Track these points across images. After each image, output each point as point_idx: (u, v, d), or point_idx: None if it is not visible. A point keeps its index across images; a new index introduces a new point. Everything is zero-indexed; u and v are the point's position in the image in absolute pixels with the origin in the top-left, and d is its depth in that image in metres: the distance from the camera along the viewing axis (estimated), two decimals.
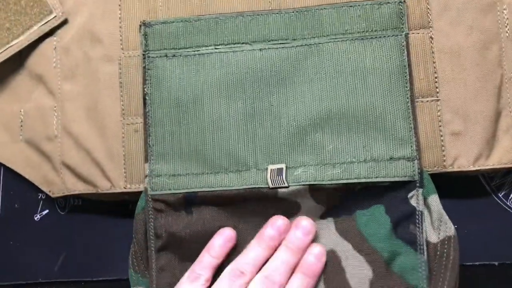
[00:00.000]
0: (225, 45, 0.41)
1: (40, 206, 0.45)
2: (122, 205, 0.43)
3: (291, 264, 0.38)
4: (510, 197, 0.42)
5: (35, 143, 0.43)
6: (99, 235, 0.44)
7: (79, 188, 0.42)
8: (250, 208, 0.40)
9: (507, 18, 0.41)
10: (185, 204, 0.40)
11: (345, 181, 0.38)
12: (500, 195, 0.42)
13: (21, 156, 0.44)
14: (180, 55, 0.41)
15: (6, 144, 0.44)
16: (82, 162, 0.42)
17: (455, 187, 0.41)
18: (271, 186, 0.39)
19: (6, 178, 0.45)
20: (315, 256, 0.38)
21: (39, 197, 0.45)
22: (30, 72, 0.44)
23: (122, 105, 0.42)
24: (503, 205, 0.42)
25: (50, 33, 0.44)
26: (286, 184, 0.39)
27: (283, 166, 0.39)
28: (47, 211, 0.45)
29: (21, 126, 0.44)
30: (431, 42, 0.40)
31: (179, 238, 0.39)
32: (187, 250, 0.39)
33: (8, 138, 0.44)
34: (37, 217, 0.44)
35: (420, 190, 0.38)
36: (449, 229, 0.38)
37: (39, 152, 0.43)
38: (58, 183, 0.43)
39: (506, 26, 0.41)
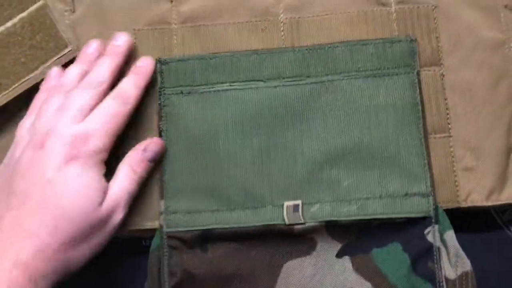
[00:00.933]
0: (240, 82, 0.42)
1: None
2: (136, 241, 0.43)
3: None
4: None
5: None
6: (113, 272, 0.43)
7: None
8: (266, 245, 0.40)
9: None
10: (200, 241, 0.40)
11: (361, 217, 0.39)
12: None
13: None
14: (196, 92, 0.42)
15: None
16: None
17: (466, 221, 0.42)
18: (287, 222, 0.39)
19: None
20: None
21: None
22: None
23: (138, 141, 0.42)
24: None
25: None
26: (302, 221, 0.39)
27: (299, 202, 0.40)
28: None
29: None
30: (442, 79, 0.41)
31: (193, 276, 0.39)
32: None
33: None
34: None
35: (436, 226, 0.39)
36: (466, 264, 0.38)
37: None
38: None
39: None
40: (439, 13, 0.42)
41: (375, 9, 0.42)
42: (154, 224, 0.41)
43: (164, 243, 0.40)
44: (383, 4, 0.42)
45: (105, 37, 0.43)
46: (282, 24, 0.43)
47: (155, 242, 0.40)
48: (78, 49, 0.44)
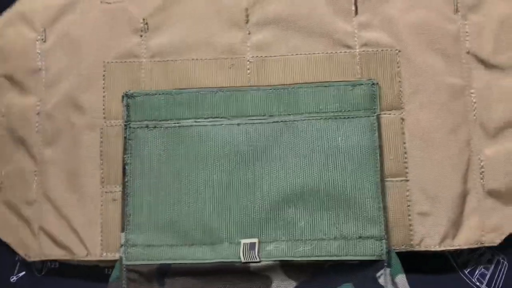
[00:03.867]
0: (205, 118, 0.43)
1: (17, 268, 0.45)
2: (98, 269, 0.44)
3: None
4: (475, 274, 0.43)
5: (14, 206, 0.44)
6: None
7: (56, 253, 0.43)
8: (222, 281, 0.40)
9: (475, 102, 0.43)
10: (158, 275, 0.41)
11: (315, 258, 0.40)
12: (466, 272, 0.43)
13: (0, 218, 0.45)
14: (161, 127, 0.43)
15: None
16: (60, 228, 0.43)
17: (421, 262, 0.42)
18: (243, 260, 0.40)
19: None
20: None
21: (16, 258, 0.45)
22: (13, 134, 0.45)
23: (102, 173, 0.43)
24: (469, 282, 0.43)
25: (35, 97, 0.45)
26: (258, 259, 0.40)
27: (255, 240, 0.40)
28: (23, 273, 0.45)
29: (0, 188, 0.45)
30: (402, 123, 0.42)
31: None
32: None
33: None
34: (13, 279, 0.45)
35: (388, 270, 0.39)
36: None
37: (17, 215, 0.44)
38: (35, 248, 0.43)
39: (474, 110, 0.43)
40: (402, 57, 0.43)
41: (340, 51, 0.43)
42: (115, 255, 0.42)
43: (123, 276, 0.41)
44: (348, 46, 0.43)
45: (75, 67, 0.44)
46: (248, 62, 0.44)
47: (114, 273, 0.41)
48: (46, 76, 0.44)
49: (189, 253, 0.41)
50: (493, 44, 0.43)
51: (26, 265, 0.45)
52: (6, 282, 0.45)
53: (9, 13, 0.46)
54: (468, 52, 0.43)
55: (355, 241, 0.40)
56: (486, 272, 0.43)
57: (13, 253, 0.45)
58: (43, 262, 0.45)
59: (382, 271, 0.39)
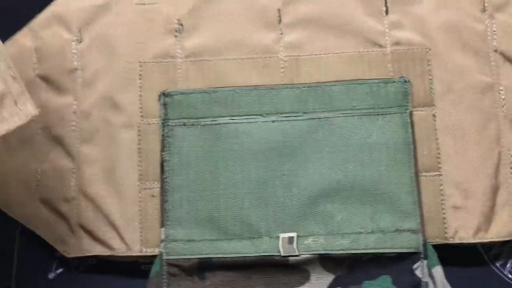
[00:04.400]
0: (241, 116, 0.44)
1: (54, 265, 0.46)
2: (135, 265, 0.45)
3: None
4: (507, 267, 0.44)
5: (52, 203, 0.45)
6: None
7: (95, 250, 0.43)
8: (262, 275, 0.41)
9: (504, 98, 0.44)
10: (198, 269, 0.41)
11: (353, 251, 0.41)
12: (498, 265, 0.44)
13: (37, 215, 0.45)
14: (198, 124, 0.44)
15: (23, 202, 0.46)
16: (99, 225, 0.43)
17: (453, 256, 0.43)
18: (282, 254, 0.41)
19: (22, 235, 0.46)
20: None
21: (54, 255, 0.46)
22: (49, 133, 0.46)
23: (140, 170, 0.44)
24: (501, 274, 0.44)
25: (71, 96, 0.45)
26: (297, 253, 0.41)
27: (294, 235, 0.41)
28: (61, 269, 0.46)
29: (38, 185, 0.45)
30: (434, 119, 0.43)
31: None
32: None
33: (25, 196, 0.46)
34: (51, 276, 0.46)
35: (425, 262, 0.40)
36: None
37: (55, 212, 0.45)
38: (73, 244, 0.44)
39: (503, 106, 0.44)
40: (433, 56, 0.44)
41: (371, 50, 0.44)
42: (154, 251, 0.43)
43: (163, 270, 0.41)
44: (379, 45, 0.44)
45: (111, 67, 0.45)
46: (282, 61, 0.45)
47: (154, 268, 0.42)
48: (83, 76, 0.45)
49: (229, 247, 0.41)
50: None
51: (64, 262, 0.46)
52: (44, 279, 0.45)
53: (44, 15, 0.47)
54: (495, 50, 0.44)
55: (392, 234, 0.41)
56: None
57: (51, 250, 0.45)
58: (81, 259, 0.46)
59: (419, 263, 0.40)
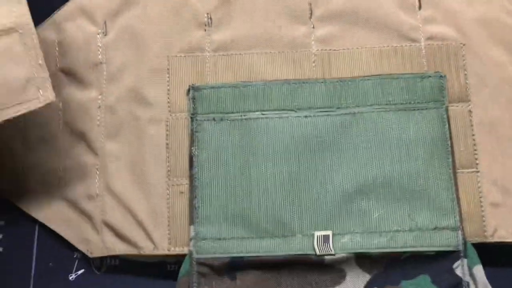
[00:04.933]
0: (272, 111, 0.42)
1: (75, 265, 0.44)
2: (160, 266, 0.43)
3: None
4: None
5: (75, 201, 0.43)
6: None
7: (120, 248, 0.42)
8: (295, 275, 0.40)
9: None
10: (229, 269, 0.40)
11: (392, 250, 0.39)
12: None
13: (59, 214, 0.44)
14: (228, 119, 0.42)
15: (43, 201, 0.44)
16: (124, 222, 0.42)
17: (493, 256, 0.42)
18: (318, 253, 0.39)
19: (41, 236, 0.44)
20: None
21: (75, 256, 0.44)
22: (72, 128, 0.44)
23: (168, 166, 0.42)
24: None
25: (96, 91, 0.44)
26: (333, 252, 0.39)
27: (329, 233, 0.40)
28: (82, 270, 0.44)
29: (59, 183, 0.44)
30: (470, 115, 0.42)
31: None
32: None
33: (46, 195, 0.44)
34: (72, 277, 0.44)
35: (465, 260, 0.39)
36: None
37: (78, 211, 0.43)
38: (97, 243, 0.42)
39: None
40: (467, 51, 0.43)
41: (405, 45, 0.43)
42: (183, 250, 0.41)
43: (193, 270, 0.40)
44: (413, 40, 0.44)
45: (138, 61, 0.44)
46: (313, 55, 0.44)
47: (184, 268, 0.40)
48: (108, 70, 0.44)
49: (261, 246, 0.40)
50: None
51: (85, 262, 0.44)
52: (65, 280, 0.43)
53: (68, 7, 0.46)
54: None
55: (431, 232, 0.39)
56: None
57: (72, 250, 0.44)
58: (103, 259, 0.44)
59: (459, 262, 0.39)
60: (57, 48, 0.45)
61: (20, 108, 0.37)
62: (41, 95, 0.38)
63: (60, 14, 0.45)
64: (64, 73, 0.45)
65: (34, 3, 0.42)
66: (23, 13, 0.38)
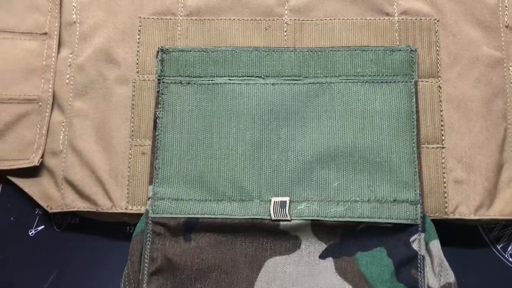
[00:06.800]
0: (239, 77, 0.42)
1: (36, 222, 0.44)
2: (120, 227, 0.43)
3: None
4: (508, 250, 0.42)
5: None
6: (94, 255, 0.43)
7: (79, 205, 0.42)
8: (250, 239, 0.39)
9: None
10: (184, 230, 0.40)
11: (348, 219, 0.39)
12: (499, 247, 0.42)
13: (22, 169, 0.44)
14: (195, 83, 0.42)
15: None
16: (84, 179, 0.42)
17: (453, 235, 0.41)
18: (273, 218, 0.39)
19: (4, 191, 0.44)
20: None
21: (36, 212, 0.44)
22: None
23: (132, 126, 0.42)
24: (501, 257, 0.42)
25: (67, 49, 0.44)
26: (288, 218, 0.39)
27: (286, 199, 0.39)
28: (42, 227, 0.44)
29: None
30: (439, 91, 0.42)
31: (173, 264, 0.39)
32: (180, 277, 0.39)
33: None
34: (31, 232, 0.44)
35: (422, 235, 0.38)
36: (450, 275, 0.38)
37: (41, 166, 0.43)
38: (57, 199, 0.42)
39: (511, 83, 0.42)
40: (440, 27, 0.43)
41: (378, 18, 0.43)
42: (140, 209, 0.41)
43: (148, 228, 0.40)
44: (387, 14, 0.43)
45: (110, 22, 0.44)
46: (285, 24, 0.43)
47: (139, 226, 0.40)
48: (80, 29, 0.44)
49: (218, 208, 0.40)
50: None
51: (46, 219, 0.44)
52: (24, 235, 0.43)
53: None
54: (507, 26, 0.43)
55: (389, 204, 0.39)
56: None
57: (33, 206, 0.44)
58: (63, 216, 0.44)
59: (416, 236, 0.38)
60: None
61: (13, 164, 0.42)
62: (32, 158, 0.42)
63: None
64: None
65: None
66: (46, 90, 0.43)
